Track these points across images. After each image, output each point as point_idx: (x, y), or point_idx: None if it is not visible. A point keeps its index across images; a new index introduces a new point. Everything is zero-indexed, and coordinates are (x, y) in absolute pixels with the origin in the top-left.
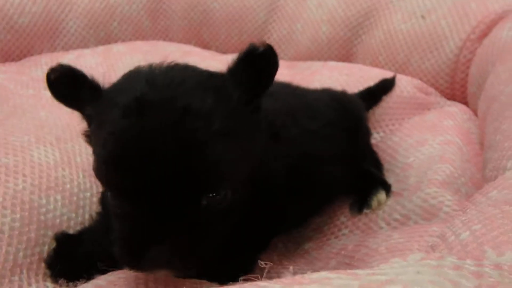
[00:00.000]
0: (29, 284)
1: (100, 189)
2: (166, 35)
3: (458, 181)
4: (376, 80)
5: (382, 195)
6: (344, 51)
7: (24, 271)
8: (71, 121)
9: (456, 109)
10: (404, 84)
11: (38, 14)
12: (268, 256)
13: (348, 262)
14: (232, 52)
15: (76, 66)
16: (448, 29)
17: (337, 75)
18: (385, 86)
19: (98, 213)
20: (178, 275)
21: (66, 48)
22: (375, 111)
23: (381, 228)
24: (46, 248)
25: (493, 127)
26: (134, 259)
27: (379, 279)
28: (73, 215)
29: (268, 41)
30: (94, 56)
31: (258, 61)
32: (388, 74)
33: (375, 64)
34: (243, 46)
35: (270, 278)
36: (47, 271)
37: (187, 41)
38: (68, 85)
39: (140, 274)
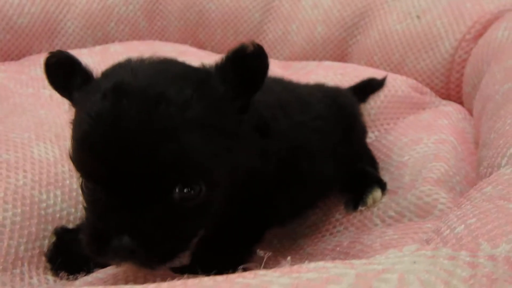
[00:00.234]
0: (30, 277)
1: None
2: (162, 35)
3: (453, 180)
4: None
5: (377, 193)
6: (339, 51)
7: (26, 264)
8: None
9: (451, 108)
10: (399, 84)
11: (36, 15)
12: (261, 259)
13: (343, 258)
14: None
15: None
16: (444, 29)
17: (332, 75)
18: (372, 86)
19: None
20: (143, 267)
21: (64, 48)
22: (370, 111)
23: (376, 225)
24: (46, 242)
25: (488, 126)
26: (98, 248)
27: (375, 268)
28: (73, 210)
29: (263, 41)
30: (91, 56)
31: (247, 61)
32: (383, 74)
33: (370, 64)
34: None
35: (268, 268)
36: (48, 265)
37: (183, 41)
38: (62, 71)
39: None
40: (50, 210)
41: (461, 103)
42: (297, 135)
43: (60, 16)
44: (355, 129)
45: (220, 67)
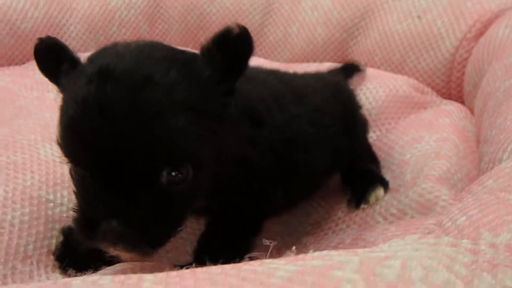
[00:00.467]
0: (39, 275)
1: None
2: (164, 39)
3: (455, 177)
4: (372, 80)
5: (380, 191)
6: (340, 53)
7: (34, 263)
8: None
9: (452, 107)
10: (400, 84)
11: (39, 20)
12: (266, 249)
13: None
14: None
15: None
16: (444, 28)
17: None
18: (350, 70)
19: None
20: (135, 252)
21: None
22: (372, 111)
23: (378, 222)
24: (54, 241)
25: (489, 122)
26: (88, 233)
27: (378, 255)
28: None
29: (264, 44)
30: None
31: (233, 43)
32: (384, 74)
33: (370, 64)
34: None
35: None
36: (56, 263)
37: (184, 44)
38: (51, 56)
39: (145, 264)
40: (57, 210)
41: (462, 102)
42: (292, 128)
43: (62, 20)
44: (354, 123)
45: (206, 50)
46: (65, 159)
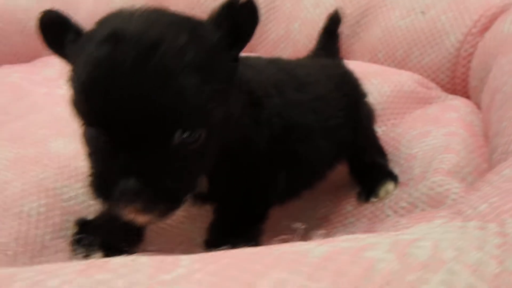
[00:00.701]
0: None
1: None
2: None
3: (464, 170)
4: (376, 76)
5: (390, 185)
6: (342, 49)
7: (51, 253)
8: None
9: (458, 102)
10: (405, 79)
11: None
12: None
13: None
14: None
15: None
16: (449, 23)
17: None
18: (335, 19)
19: None
20: (149, 212)
21: None
22: (377, 106)
23: (388, 216)
24: (69, 232)
25: (498, 116)
26: (104, 192)
27: (407, 237)
28: (92, 202)
29: (266, 41)
30: None
31: (240, 11)
32: (388, 70)
33: (373, 61)
34: None
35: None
36: (72, 254)
37: None
38: (55, 29)
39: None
40: (71, 202)
41: (467, 97)
42: (291, 113)
43: None
44: (359, 116)
45: (214, 16)
46: (80, 121)
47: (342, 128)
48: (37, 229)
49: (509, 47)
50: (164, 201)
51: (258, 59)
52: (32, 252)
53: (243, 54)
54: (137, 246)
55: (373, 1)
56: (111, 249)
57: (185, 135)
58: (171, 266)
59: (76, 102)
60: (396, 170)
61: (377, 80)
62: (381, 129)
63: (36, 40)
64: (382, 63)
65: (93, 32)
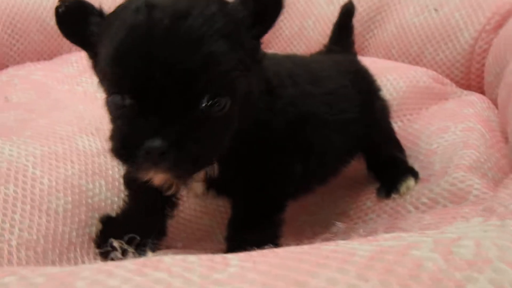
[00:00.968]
0: (83, 262)
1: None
2: None
3: (484, 166)
4: (391, 71)
5: (411, 181)
6: (356, 45)
7: (78, 249)
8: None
9: (474, 98)
10: (420, 75)
11: None
12: (297, 238)
13: None
14: None
15: None
16: (462, 21)
17: None
18: (348, 11)
19: (126, 196)
20: (172, 173)
21: None
22: (392, 102)
23: (409, 212)
24: (94, 229)
25: None
26: (129, 153)
27: (449, 236)
28: (116, 198)
29: (280, 38)
30: None
31: None
32: (403, 66)
33: (388, 57)
34: None
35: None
36: (97, 250)
37: None
38: (74, 18)
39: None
40: (96, 199)
41: (481, 93)
42: (305, 104)
43: None
44: (373, 110)
45: None
46: (110, 89)
47: (356, 122)
48: (64, 225)
49: None
50: (186, 163)
51: (275, 54)
52: (60, 249)
53: None
54: (160, 241)
55: None
56: (135, 245)
57: (211, 102)
58: (221, 265)
59: (107, 68)
60: (416, 165)
61: (392, 76)
62: (397, 125)
63: (56, 38)
64: (396, 60)
65: (126, 3)
